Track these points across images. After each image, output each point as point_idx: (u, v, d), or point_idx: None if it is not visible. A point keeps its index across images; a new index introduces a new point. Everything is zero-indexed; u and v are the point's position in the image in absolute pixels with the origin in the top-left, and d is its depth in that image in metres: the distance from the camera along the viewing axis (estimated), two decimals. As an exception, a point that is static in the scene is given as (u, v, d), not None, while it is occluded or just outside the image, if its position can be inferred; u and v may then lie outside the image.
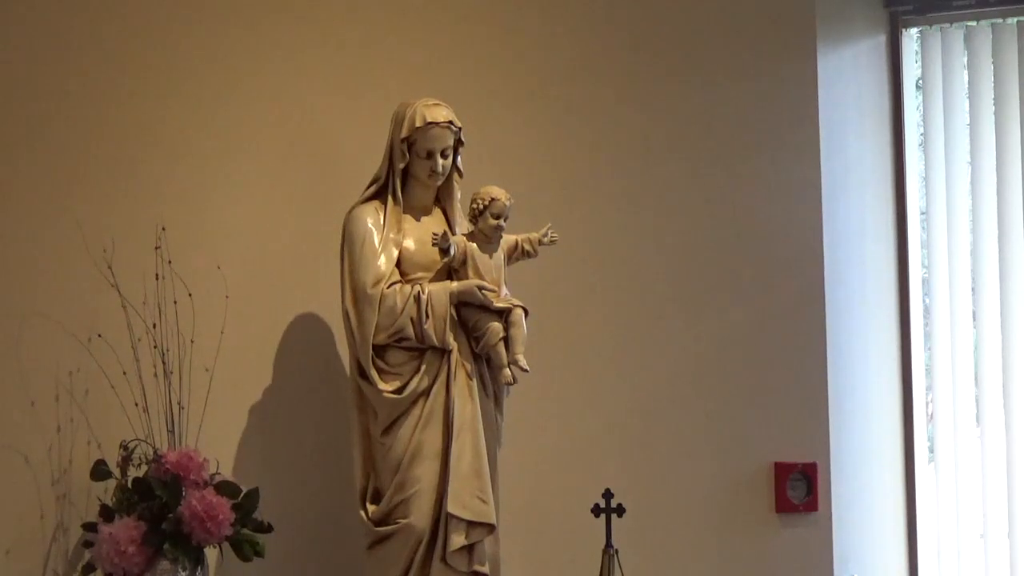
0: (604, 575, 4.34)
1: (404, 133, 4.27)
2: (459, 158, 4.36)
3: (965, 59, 5.16)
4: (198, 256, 4.49)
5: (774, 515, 4.76)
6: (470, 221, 4.35)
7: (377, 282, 4.24)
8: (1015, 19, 5.10)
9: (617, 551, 4.34)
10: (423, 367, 4.25)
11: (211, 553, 4.31)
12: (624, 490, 4.39)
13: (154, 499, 4.17)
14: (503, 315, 4.27)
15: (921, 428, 5.18)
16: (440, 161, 4.29)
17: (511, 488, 4.42)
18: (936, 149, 5.17)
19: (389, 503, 4.23)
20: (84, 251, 4.33)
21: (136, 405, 4.31)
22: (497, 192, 4.31)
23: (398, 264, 4.30)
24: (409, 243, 4.31)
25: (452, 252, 4.26)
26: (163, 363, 4.34)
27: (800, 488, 4.75)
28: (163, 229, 4.40)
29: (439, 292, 4.25)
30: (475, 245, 4.31)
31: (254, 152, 4.69)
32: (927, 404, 5.21)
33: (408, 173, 4.33)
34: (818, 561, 4.73)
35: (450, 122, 4.28)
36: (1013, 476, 5.03)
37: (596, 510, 4.37)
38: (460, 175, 4.38)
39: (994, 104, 5.11)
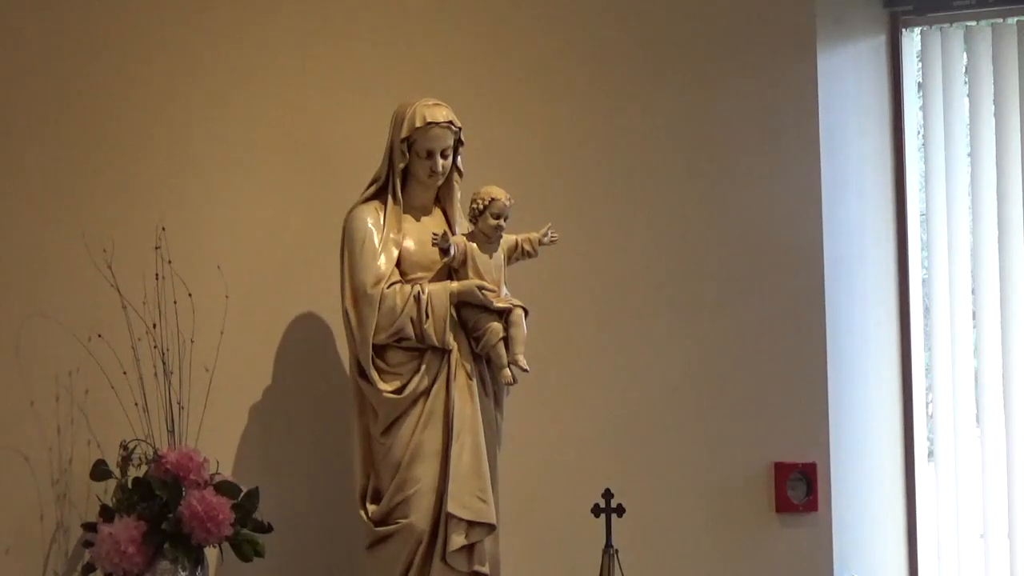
0: (604, 575, 4.34)
1: (404, 133, 4.27)
2: (459, 158, 4.35)
3: (965, 59, 5.16)
4: (198, 256, 4.49)
5: (774, 515, 4.76)
6: (470, 221, 4.35)
7: (377, 282, 4.24)
8: (1015, 19, 5.10)
9: (617, 551, 4.34)
10: (423, 367, 4.24)
11: (211, 553, 4.31)
12: (624, 490, 4.39)
13: (154, 499, 4.17)
14: (503, 315, 4.27)
15: (921, 428, 5.17)
16: (440, 161, 4.29)
17: (511, 488, 4.42)
18: (936, 149, 5.17)
19: (389, 503, 4.23)
20: (84, 251, 4.32)
21: (136, 405, 4.31)
22: (497, 192, 4.31)
23: (398, 264, 4.29)
24: (409, 243, 4.31)
25: (452, 252, 4.26)
26: (163, 363, 4.34)
27: (800, 488, 4.75)
28: (163, 229, 4.40)
29: (439, 292, 4.25)
30: (475, 245, 4.30)
31: (254, 152, 4.69)
32: (927, 404, 5.20)
33: (408, 173, 4.33)
34: (818, 561, 4.73)
35: (450, 122, 4.28)
36: (1013, 476, 5.03)
37: (596, 510, 4.37)
38: (460, 175, 4.38)
39: (994, 104, 5.11)
